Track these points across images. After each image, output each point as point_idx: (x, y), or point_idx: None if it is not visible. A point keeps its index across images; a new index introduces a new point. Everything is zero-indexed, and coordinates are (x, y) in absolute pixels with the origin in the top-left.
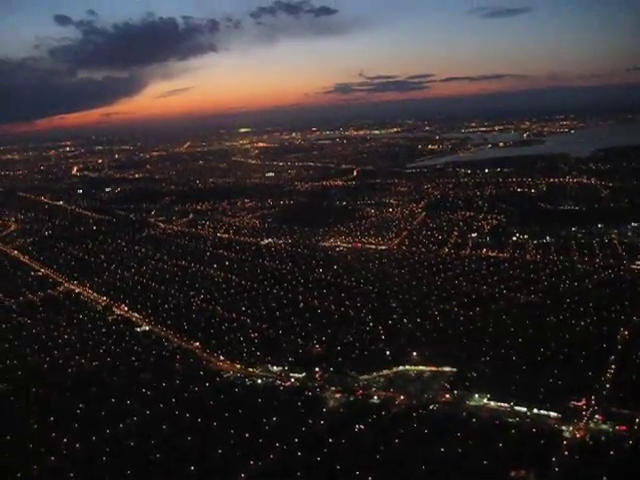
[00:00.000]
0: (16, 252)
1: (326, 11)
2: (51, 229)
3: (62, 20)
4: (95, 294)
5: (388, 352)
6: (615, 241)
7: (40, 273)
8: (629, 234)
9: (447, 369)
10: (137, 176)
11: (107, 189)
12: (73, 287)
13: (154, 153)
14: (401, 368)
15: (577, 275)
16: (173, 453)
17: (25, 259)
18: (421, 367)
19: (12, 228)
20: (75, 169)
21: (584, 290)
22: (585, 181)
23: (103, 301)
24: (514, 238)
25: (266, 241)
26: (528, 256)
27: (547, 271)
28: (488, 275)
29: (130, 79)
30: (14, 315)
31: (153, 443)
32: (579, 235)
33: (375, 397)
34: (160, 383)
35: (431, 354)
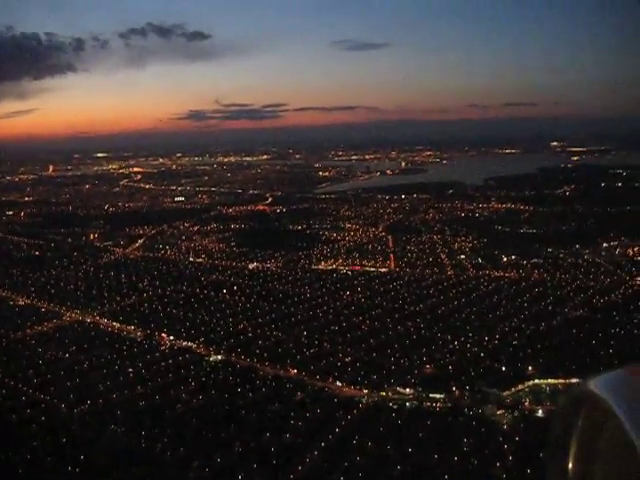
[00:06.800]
0: None
1: (200, 36)
2: None
3: None
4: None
5: (504, 369)
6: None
7: None
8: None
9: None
10: (27, 199)
11: (9, 212)
12: None
13: (22, 176)
14: (531, 383)
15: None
16: None
17: None
18: (550, 380)
19: None
20: None
21: None
22: (513, 207)
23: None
24: (504, 259)
25: (252, 265)
26: (536, 274)
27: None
28: (519, 294)
29: None
30: None
31: None
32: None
33: (540, 411)
34: (297, 414)
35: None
